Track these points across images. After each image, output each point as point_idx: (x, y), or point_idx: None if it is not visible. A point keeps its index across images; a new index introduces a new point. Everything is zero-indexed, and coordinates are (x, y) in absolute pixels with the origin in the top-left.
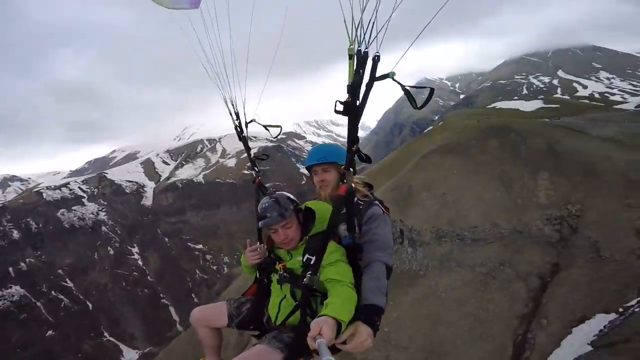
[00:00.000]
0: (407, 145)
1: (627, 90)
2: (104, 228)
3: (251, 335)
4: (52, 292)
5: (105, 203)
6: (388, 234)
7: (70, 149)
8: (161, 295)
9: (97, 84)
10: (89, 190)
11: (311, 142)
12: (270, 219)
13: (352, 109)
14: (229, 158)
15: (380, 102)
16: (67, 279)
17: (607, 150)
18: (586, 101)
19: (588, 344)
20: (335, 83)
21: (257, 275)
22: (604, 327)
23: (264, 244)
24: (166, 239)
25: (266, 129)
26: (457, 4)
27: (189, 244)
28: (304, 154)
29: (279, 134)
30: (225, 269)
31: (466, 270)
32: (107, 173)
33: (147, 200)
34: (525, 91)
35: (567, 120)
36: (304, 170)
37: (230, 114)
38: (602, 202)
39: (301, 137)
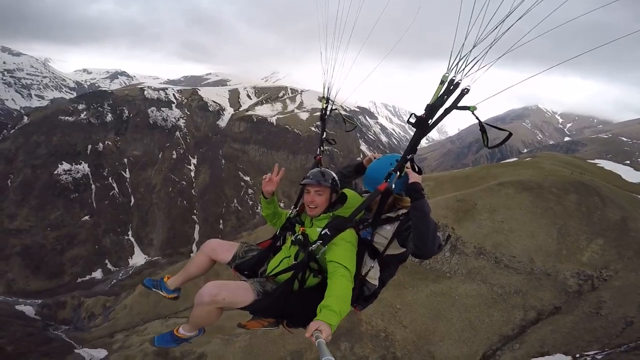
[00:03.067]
0: (487, 166)
1: None
2: (177, 133)
3: (241, 280)
4: (110, 178)
5: (188, 113)
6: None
7: (174, 62)
8: (195, 211)
9: (221, 16)
10: (179, 99)
11: (381, 125)
12: (309, 179)
13: (423, 126)
14: (303, 111)
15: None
16: (127, 169)
17: None
18: None
19: None
20: (427, 78)
21: (277, 232)
22: None
23: (297, 205)
24: (223, 161)
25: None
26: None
27: (239, 172)
28: (369, 133)
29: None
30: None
31: (486, 286)
32: (199, 89)
33: (222, 122)
34: None
35: None
36: (363, 147)
37: (323, 97)
38: (634, 276)
39: (373, 117)
